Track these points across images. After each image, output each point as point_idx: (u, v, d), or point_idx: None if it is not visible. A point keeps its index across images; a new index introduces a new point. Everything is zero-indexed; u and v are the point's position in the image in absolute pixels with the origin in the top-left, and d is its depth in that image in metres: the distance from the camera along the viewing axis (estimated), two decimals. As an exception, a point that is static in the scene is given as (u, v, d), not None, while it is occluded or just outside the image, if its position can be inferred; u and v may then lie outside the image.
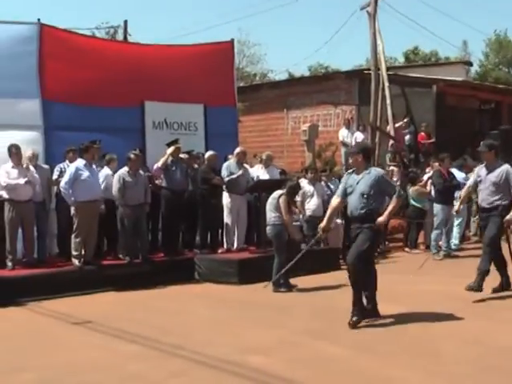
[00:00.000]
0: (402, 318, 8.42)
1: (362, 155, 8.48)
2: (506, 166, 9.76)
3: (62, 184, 11.37)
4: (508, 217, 9.38)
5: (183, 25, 74.57)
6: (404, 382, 6.16)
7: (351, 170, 8.73)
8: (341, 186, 8.74)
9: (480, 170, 10.05)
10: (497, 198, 9.65)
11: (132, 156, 12.01)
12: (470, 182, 10.51)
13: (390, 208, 8.27)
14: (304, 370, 6.47)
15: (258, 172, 13.92)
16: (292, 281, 11.04)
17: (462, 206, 11.32)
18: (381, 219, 8.20)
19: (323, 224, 8.88)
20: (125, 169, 11.98)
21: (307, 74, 40.38)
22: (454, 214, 11.79)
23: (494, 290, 9.76)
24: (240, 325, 8.56)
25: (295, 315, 9.09)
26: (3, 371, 6.62)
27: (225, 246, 13.40)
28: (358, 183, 8.37)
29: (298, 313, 9.23)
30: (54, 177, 12.16)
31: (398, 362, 6.71)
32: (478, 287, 9.43)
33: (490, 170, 9.77)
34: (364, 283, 8.42)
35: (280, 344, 7.49)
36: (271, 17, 73.71)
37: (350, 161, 9.03)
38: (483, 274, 9.48)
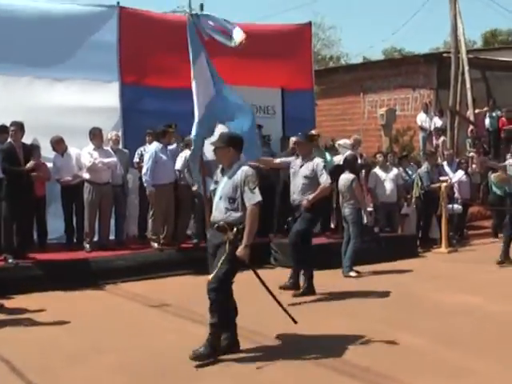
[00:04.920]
0: (482, 308, 8.25)
1: None
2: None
3: (144, 170, 11.42)
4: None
5: (258, 8, 74.45)
6: (485, 375, 6.01)
7: None
8: None
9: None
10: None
11: None
12: None
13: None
14: (383, 360, 6.38)
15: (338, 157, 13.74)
16: (368, 268, 11.00)
17: None
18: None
19: None
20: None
21: (382, 57, 39.74)
22: None
23: None
24: (316, 312, 8.50)
25: (373, 303, 8.96)
26: (83, 352, 6.70)
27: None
28: None
29: (376, 301, 9.11)
30: (136, 160, 12.29)
31: (479, 354, 6.56)
32: None
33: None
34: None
35: (359, 333, 7.36)
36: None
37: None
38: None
